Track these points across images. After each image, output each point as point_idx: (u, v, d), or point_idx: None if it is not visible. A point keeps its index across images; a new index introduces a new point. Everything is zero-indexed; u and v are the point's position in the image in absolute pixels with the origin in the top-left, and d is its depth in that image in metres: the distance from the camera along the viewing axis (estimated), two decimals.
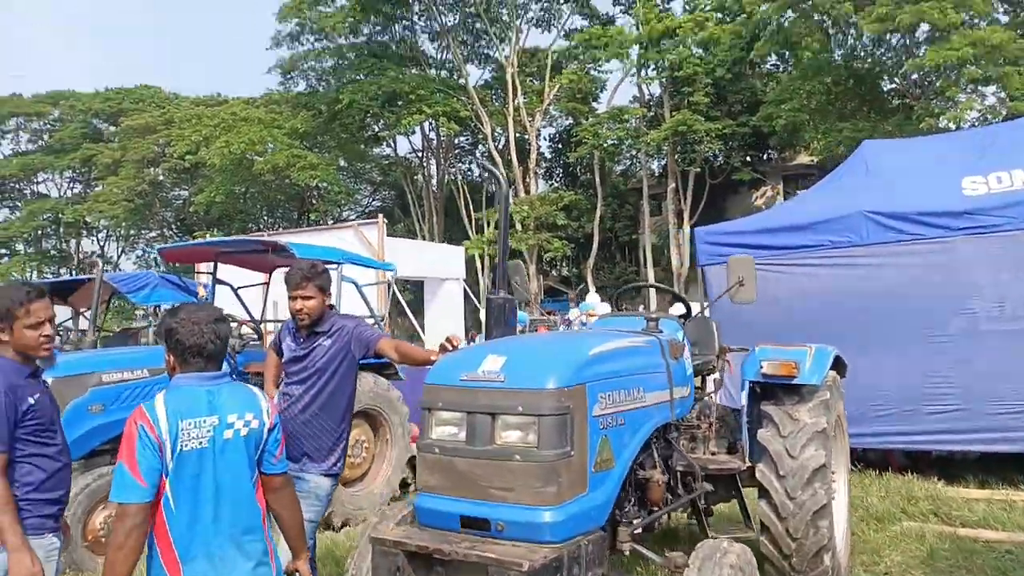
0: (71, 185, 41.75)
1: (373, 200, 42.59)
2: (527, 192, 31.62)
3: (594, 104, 33.80)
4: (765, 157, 32.77)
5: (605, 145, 30.11)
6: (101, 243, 42.92)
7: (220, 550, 2.23)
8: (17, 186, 41.69)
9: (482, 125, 31.48)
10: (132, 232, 41.10)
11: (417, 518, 3.00)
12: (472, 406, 2.86)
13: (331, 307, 3.74)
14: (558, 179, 40.19)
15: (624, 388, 3.07)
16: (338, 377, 3.60)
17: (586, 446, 2.80)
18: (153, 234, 41.73)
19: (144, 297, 8.73)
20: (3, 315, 2.62)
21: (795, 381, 3.83)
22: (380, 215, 12.52)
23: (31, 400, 2.63)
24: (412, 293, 20.24)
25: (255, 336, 7.00)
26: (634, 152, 35.05)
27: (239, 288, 7.67)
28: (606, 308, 14.25)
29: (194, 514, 2.20)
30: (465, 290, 19.12)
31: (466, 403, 2.88)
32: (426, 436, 3.00)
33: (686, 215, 29.73)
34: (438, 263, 18.04)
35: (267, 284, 7.95)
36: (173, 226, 41.17)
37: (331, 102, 31.40)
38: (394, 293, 11.39)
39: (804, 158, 31.48)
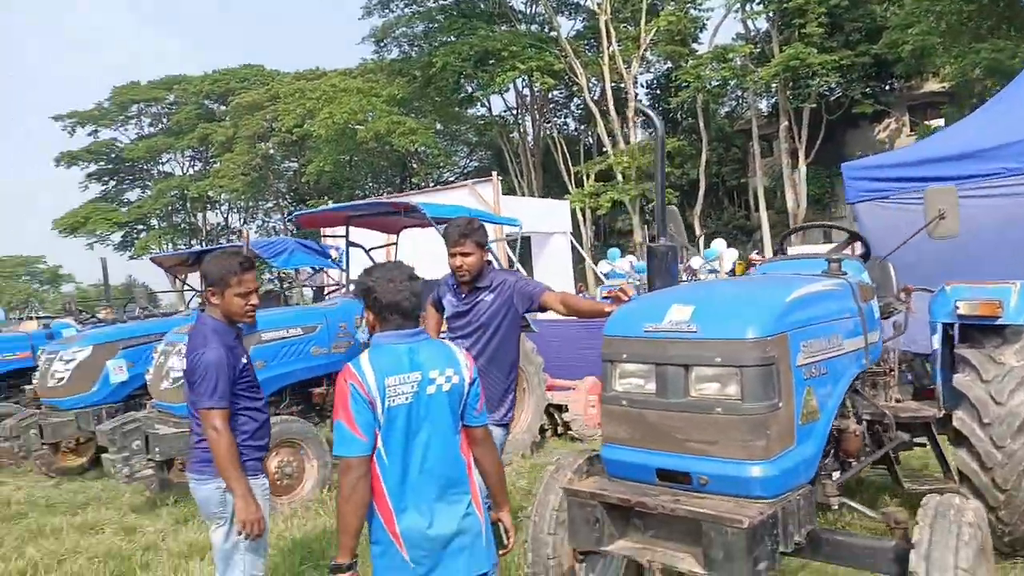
0: (192, 163, 44.33)
1: (470, 161, 42.84)
2: (627, 142, 30.80)
3: (694, 46, 32.33)
4: (888, 87, 30.38)
5: (709, 87, 28.77)
6: (224, 215, 45.54)
7: (428, 501, 2.27)
8: (145, 167, 44.67)
9: (576, 77, 30.76)
10: (251, 204, 43.29)
11: (606, 469, 2.94)
12: (661, 358, 2.75)
13: (489, 263, 3.69)
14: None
15: (824, 335, 2.87)
16: (502, 331, 3.57)
17: (793, 398, 2.63)
18: (269, 205, 43.86)
19: (283, 261, 9.12)
20: (218, 280, 2.81)
21: (1000, 321, 3.49)
22: (494, 172, 12.46)
23: (244, 360, 2.88)
24: (520, 249, 20.25)
25: None
26: (739, 92, 33.41)
27: (370, 249, 7.92)
28: (733, 254, 13.75)
29: (404, 467, 2.25)
30: (572, 243, 18.97)
31: (654, 355, 2.77)
32: (610, 388, 2.92)
33: (801, 154, 28.14)
34: (545, 218, 17.90)
35: (395, 244, 8.17)
36: (286, 196, 43.05)
37: (424, 66, 31.53)
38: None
39: (933, 85, 29.00)
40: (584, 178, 31.51)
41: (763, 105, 32.24)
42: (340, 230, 8.76)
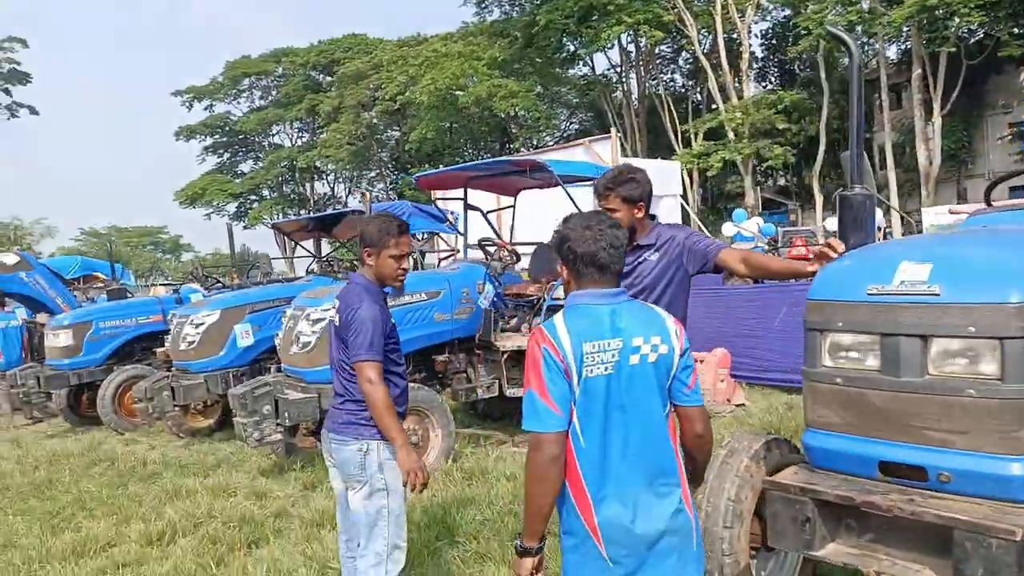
0: (299, 134, 45.75)
1: (571, 123, 41.98)
2: (739, 97, 29.11)
3: None
4: None
5: (826, 44, 26.58)
6: (331, 185, 46.92)
7: (633, 491, 1.89)
8: (257, 139, 46.52)
9: (686, 29, 29.22)
10: (355, 173, 44.35)
11: (810, 459, 2.48)
12: (890, 327, 2.24)
13: (653, 217, 3.21)
14: (772, 80, 36.69)
15: None
16: (669, 294, 3.09)
17: None
18: (372, 174, 44.75)
19: None
20: (375, 241, 2.76)
21: None
22: (613, 129, 11.83)
23: (392, 322, 2.83)
24: None
25: (513, 258, 6.86)
26: (864, 39, 30.80)
27: (488, 212, 7.60)
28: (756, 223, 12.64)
29: (604, 449, 1.89)
30: (682, 205, 18.14)
31: (881, 323, 2.26)
32: (817, 363, 2.44)
33: (936, 105, 25.69)
34: (655, 179, 17.04)
35: (512, 207, 7.79)
36: (388, 165, 43.77)
37: (526, 26, 30.83)
38: None
39: None
40: (692, 137, 30.11)
41: (891, 52, 29.60)
42: (450, 195, 8.48)
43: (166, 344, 7.66)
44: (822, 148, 29.02)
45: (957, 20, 23.92)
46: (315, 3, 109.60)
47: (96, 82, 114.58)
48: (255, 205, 45.37)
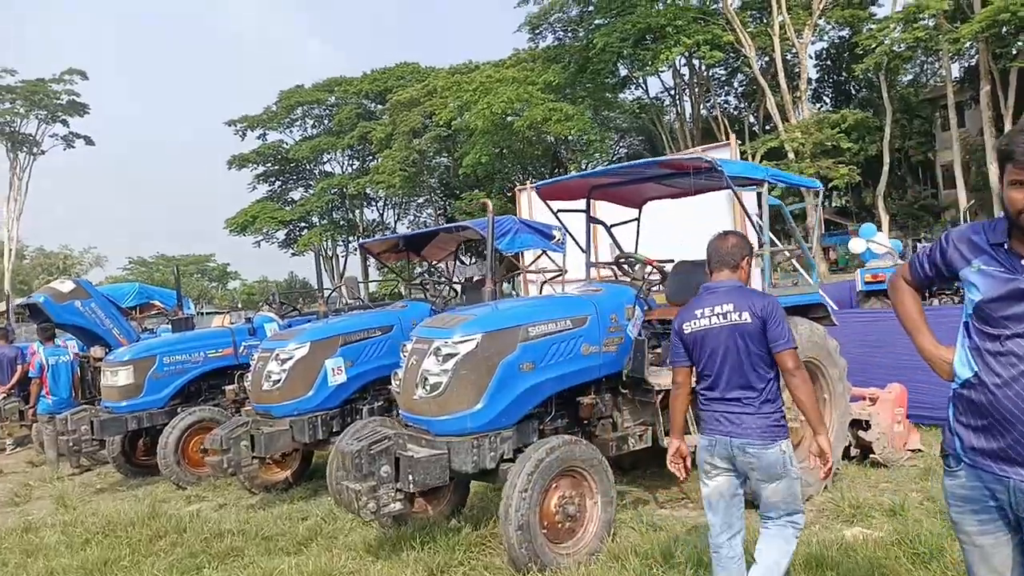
0: (350, 162, 46.43)
1: (620, 147, 41.93)
2: (794, 119, 28.77)
3: (872, 8, 29.68)
4: None
5: (897, 51, 26.19)
6: (381, 211, 47.42)
7: None
8: (308, 167, 47.32)
9: (744, 48, 29.07)
10: (405, 199, 44.74)
11: None
12: None
13: None
14: (827, 100, 36.25)
15: None
16: None
17: None
18: (421, 200, 45.11)
19: (508, 243, 8.74)
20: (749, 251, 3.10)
21: None
22: (733, 136, 11.54)
23: None
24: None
25: (659, 278, 5.80)
26: (923, 58, 30.34)
27: (612, 226, 7.16)
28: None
29: None
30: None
31: None
32: None
33: (1007, 120, 25.03)
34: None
35: (638, 221, 7.30)
36: (437, 191, 44.10)
37: (581, 50, 30.98)
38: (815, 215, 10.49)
39: None
40: (750, 158, 29.77)
41: (954, 69, 29.04)
42: (555, 208, 7.15)
43: (246, 382, 6.48)
44: (886, 167, 28.49)
45: None
46: (367, 34, 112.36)
47: (148, 113, 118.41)
48: (304, 232, 46.01)
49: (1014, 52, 24.33)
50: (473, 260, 34.18)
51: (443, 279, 9.42)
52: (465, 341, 4.21)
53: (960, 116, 29.37)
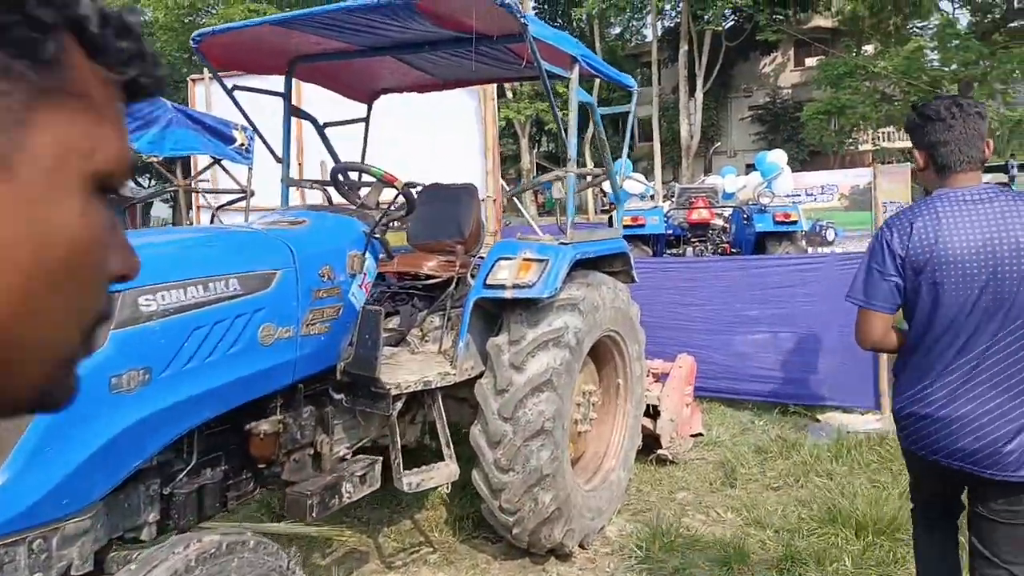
0: None
1: None
2: None
3: None
4: (782, 17, 29.95)
5: (604, 6, 26.59)
6: None
7: None
8: None
9: None
10: None
11: None
12: None
13: None
14: None
15: None
16: None
17: None
18: None
19: (152, 141, 5.97)
20: None
21: None
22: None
23: None
24: None
25: (405, 209, 3.82)
26: (631, 14, 31.68)
27: (325, 126, 4.64)
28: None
29: None
30: None
31: None
32: None
33: (699, 82, 26.99)
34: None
35: (366, 122, 4.87)
36: None
37: None
38: None
39: (820, 20, 28.73)
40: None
41: (647, 31, 30.73)
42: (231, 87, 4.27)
43: None
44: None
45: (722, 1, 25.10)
46: None
47: None
48: None
49: (710, 16, 26.06)
50: None
51: None
52: None
53: (658, 74, 31.36)
